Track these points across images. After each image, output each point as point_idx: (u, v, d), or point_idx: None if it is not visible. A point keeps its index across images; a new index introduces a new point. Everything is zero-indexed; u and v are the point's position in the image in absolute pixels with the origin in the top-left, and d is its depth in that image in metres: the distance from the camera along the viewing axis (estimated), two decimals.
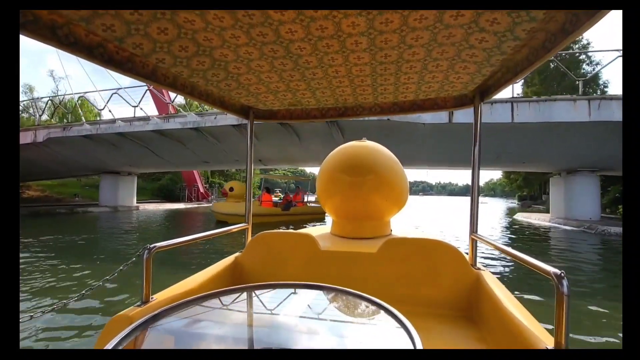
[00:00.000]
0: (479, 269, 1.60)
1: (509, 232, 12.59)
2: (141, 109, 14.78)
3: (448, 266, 1.58)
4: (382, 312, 0.84)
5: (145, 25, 0.98)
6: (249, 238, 1.94)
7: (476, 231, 1.63)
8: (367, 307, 0.90)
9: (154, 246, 1.13)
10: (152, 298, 1.15)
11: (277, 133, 12.75)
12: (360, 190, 2.09)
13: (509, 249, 1.15)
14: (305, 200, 16.92)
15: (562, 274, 0.76)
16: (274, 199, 16.52)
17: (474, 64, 1.30)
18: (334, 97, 1.76)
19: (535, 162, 14.52)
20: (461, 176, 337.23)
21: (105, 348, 0.63)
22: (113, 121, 14.81)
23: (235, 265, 1.81)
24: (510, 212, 27.90)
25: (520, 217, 19.29)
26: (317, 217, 15.62)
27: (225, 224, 12.01)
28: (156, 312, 0.82)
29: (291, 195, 16.45)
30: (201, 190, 33.73)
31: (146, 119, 14.26)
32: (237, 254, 1.89)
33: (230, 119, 12.06)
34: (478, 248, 1.69)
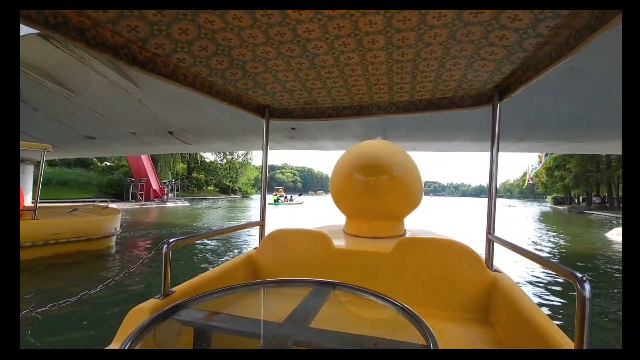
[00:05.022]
0: (495, 270, 1.65)
1: None
2: None
3: (464, 267, 1.63)
4: (397, 311, 0.89)
5: (168, 26, 1.06)
6: (264, 235, 2.05)
7: (493, 232, 1.68)
8: (382, 306, 0.96)
9: (173, 240, 1.23)
10: (171, 290, 1.24)
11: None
12: (374, 190, 2.14)
13: (528, 251, 1.21)
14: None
15: (584, 277, 0.77)
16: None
17: (494, 62, 1.34)
18: (349, 95, 1.84)
19: None
20: (474, 177, 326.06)
21: (122, 341, 0.70)
22: None
23: (250, 261, 1.92)
24: (551, 220, 21.95)
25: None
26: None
27: None
28: (176, 303, 0.90)
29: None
30: (153, 186, 26.51)
31: None
32: (251, 250, 2.00)
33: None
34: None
